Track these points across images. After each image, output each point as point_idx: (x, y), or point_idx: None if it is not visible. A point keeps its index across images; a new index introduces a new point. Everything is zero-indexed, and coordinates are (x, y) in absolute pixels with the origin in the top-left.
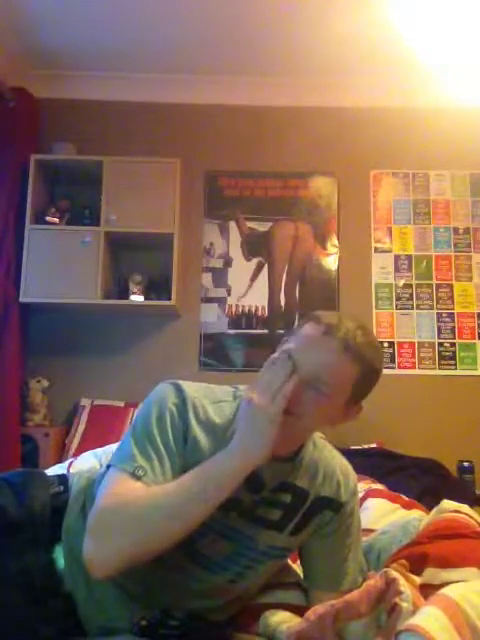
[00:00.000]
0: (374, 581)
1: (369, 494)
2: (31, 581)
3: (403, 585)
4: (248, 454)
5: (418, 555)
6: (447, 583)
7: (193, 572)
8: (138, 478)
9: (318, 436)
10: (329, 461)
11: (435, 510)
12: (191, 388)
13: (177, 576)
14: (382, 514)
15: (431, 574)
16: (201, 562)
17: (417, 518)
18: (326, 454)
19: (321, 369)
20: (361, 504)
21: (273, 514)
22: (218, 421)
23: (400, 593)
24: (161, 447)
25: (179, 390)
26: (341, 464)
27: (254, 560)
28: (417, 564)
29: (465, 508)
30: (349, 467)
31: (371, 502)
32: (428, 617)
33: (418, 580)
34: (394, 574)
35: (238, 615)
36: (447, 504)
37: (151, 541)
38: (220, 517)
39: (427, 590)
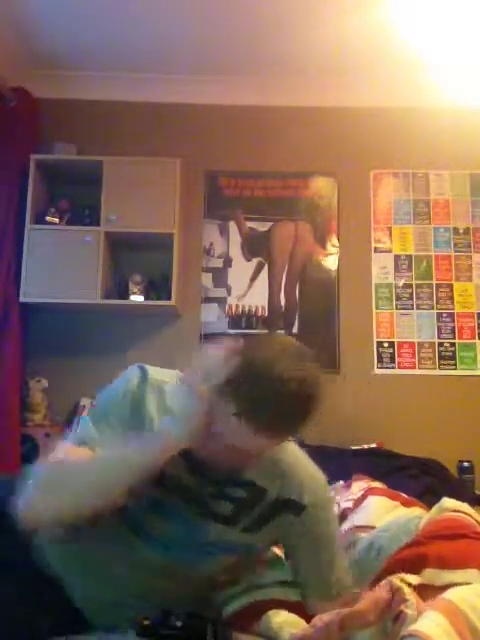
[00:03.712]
0: (380, 592)
1: (368, 492)
2: (21, 573)
3: (407, 593)
4: (169, 435)
5: (418, 555)
6: (449, 584)
7: (146, 554)
8: (83, 444)
9: (295, 449)
10: (293, 463)
11: (436, 507)
12: (156, 372)
13: (129, 555)
14: (382, 512)
15: (432, 575)
16: (154, 546)
17: (418, 516)
18: (290, 456)
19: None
20: (361, 502)
21: (224, 508)
22: (171, 406)
23: (405, 600)
24: (114, 422)
25: (143, 372)
26: (307, 468)
27: (207, 552)
28: (417, 564)
29: (465, 507)
30: (318, 474)
31: (371, 499)
32: (430, 622)
33: (415, 580)
34: (398, 583)
35: (240, 614)
36: (448, 503)
37: (74, 502)
38: (166, 500)
39: (428, 591)
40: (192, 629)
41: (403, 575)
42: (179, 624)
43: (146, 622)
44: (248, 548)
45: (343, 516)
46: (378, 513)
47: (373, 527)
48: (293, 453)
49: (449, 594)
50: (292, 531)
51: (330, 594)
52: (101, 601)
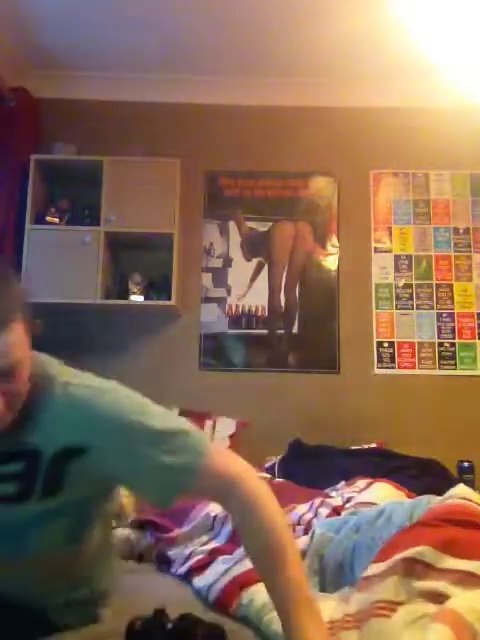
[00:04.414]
0: None
1: (375, 481)
2: None
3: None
4: None
5: (424, 536)
6: (450, 569)
7: None
8: None
9: (60, 378)
10: (57, 404)
11: (449, 492)
12: None
13: None
14: (386, 496)
15: (434, 556)
16: None
17: (429, 499)
18: (57, 396)
19: None
20: (367, 487)
21: (7, 489)
22: None
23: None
24: None
25: None
26: (74, 401)
27: (26, 533)
28: (421, 543)
29: (476, 497)
30: (91, 401)
31: (377, 485)
32: (435, 635)
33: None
34: None
35: (222, 594)
36: (461, 490)
37: None
38: None
39: (429, 570)
40: (183, 631)
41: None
42: (170, 626)
43: (139, 623)
44: (74, 507)
45: (347, 501)
46: (383, 494)
47: (377, 505)
48: (64, 391)
49: (454, 604)
50: (98, 471)
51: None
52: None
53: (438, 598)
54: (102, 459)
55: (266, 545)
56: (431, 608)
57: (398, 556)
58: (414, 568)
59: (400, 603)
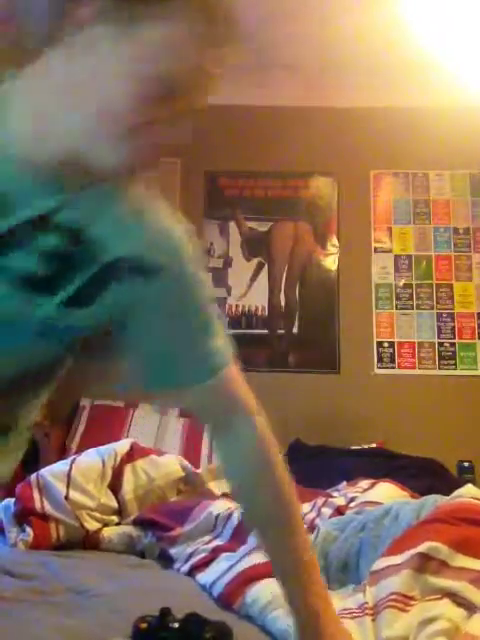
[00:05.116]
0: None
1: (379, 481)
2: None
3: None
4: None
5: (439, 532)
6: (465, 568)
7: None
8: None
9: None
10: (140, 202)
11: (457, 492)
12: None
13: None
14: (391, 496)
15: (448, 554)
16: None
17: (434, 497)
18: (139, 201)
19: None
20: (371, 487)
21: (30, 263)
22: None
23: None
24: None
25: None
26: (162, 219)
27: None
28: (435, 538)
29: None
30: (175, 227)
31: (381, 485)
32: None
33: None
34: None
35: (227, 589)
36: (470, 490)
37: None
38: None
39: (443, 567)
40: (190, 631)
41: None
42: (176, 625)
43: (144, 625)
44: (71, 333)
45: (351, 501)
46: (388, 494)
47: (383, 504)
48: (141, 199)
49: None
50: (139, 304)
51: (212, 370)
52: None
53: (453, 596)
54: (157, 291)
55: (284, 500)
56: (446, 605)
57: (412, 550)
58: (428, 564)
59: (413, 598)
